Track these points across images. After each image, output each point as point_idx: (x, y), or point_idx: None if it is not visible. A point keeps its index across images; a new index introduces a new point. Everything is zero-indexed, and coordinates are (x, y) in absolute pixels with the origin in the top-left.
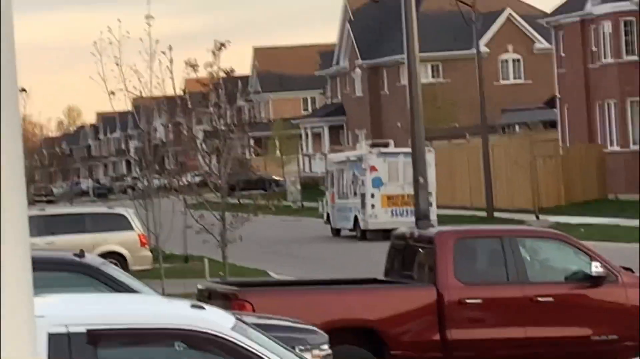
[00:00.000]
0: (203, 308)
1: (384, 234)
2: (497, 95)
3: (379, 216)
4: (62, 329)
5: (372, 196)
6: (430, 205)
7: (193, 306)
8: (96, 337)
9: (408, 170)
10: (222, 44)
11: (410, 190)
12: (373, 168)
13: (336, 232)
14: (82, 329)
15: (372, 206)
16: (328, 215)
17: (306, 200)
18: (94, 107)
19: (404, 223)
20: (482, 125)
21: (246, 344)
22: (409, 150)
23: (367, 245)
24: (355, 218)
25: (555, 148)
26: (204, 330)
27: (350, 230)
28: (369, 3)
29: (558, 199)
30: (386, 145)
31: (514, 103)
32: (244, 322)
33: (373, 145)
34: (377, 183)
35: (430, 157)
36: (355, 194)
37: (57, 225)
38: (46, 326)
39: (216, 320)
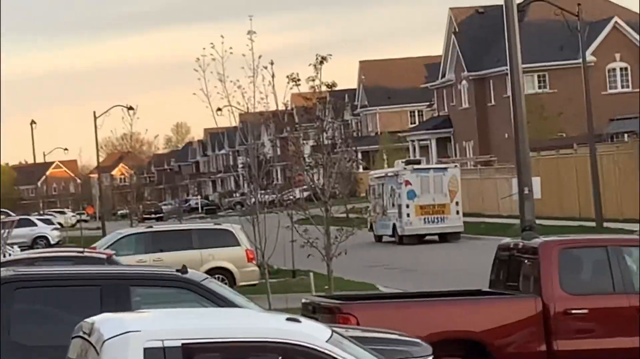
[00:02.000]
0: (299, 321)
1: (418, 238)
2: (605, 105)
3: (414, 224)
4: (158, 344)
5: (407, 206)
6: (457, 213)
7: (288, 319)
8: (191, 351)
9: (437, 183)
10: (324, 58)
11: (439, 200)
12: (407, 183)
13: (378, 239)
14: (178, 343)
15: (408, 214)
16: (371, 224)
17: None
18: (201, 123)
19: (435, 229)
20: (589, 135)
21: (341, 357)
22: (438, 166)
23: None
24: (394, 226)
25: None
26: (299, 343)
27: (389, 236)
28: (474, 14)
29: None
30: (418, 162)
31: (622, 112)
32: (341, 335)
33: (407, 163)
34: (411, 195)
35: (455, 172)
36: (393, 205)
37: (164, 241)
38: (142, 341)
39: (311, 333)
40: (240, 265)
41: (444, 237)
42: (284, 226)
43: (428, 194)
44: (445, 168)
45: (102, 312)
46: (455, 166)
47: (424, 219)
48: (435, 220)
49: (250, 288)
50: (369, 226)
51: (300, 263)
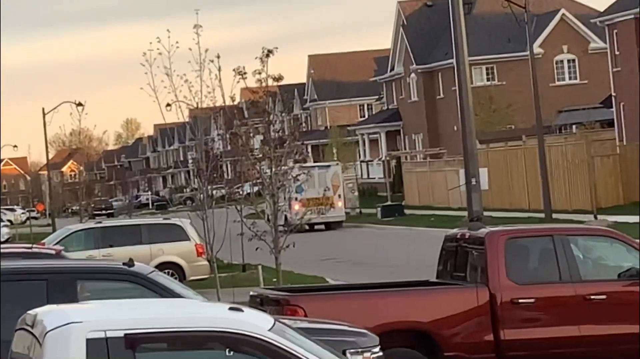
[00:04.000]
0: (241, 311)
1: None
2: (553, 96)
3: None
4: (100, 334)
5: (296, 199)
6: (340, 205)
7: (231, 308)
8: (134, 341)
9: (322, 179)
10: (270, 51)
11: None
12: (295, 179)
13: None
14: (120, 333)
15: (296, 207)
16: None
17: (364, 206)
18: (151, 119)
19: (320, 219)
20: (538, 127)
21: (284, 346)
22: (322, 164)
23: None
24: (285, 216)
25: (613, 148)
26: (241, 332)
27: (282, 226)
28: (423, 7)
29: (617, 198)
30: (305, 161)
31: (570, 104)
32: (285, 324)
33: (295, 162)
34: (299, 190)
35: (337, 169)
36: (284, 199)
37: (114, 237)
38: (84, 332)
39: (253, 322)
40: (190, 260)
41: (329, 226)
42: (233, 220)
43: (314, 189)
44: (328, 166)
45: None
46: (337, 164)
47: (310, 211)
48: (320, 211)
49: (200, 282)
50: (266, 217)
51: (251, 257)
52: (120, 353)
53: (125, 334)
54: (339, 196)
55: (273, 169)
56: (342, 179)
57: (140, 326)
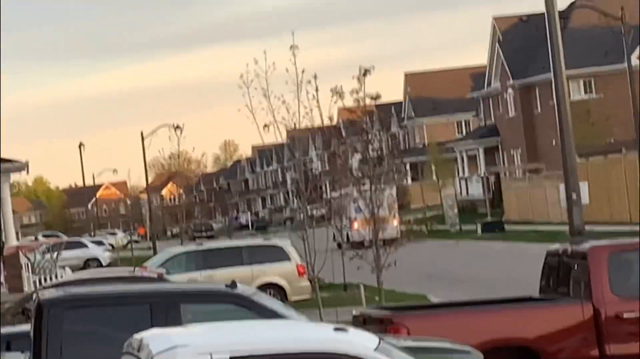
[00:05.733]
0: (346, 331)
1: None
2: None
3: (360, 232)
4: (206, 357)
5: (355, 219)
6: (394, 224)
7: (336, 329)
8: None
9: (378, 200)
10: (367, 70)
11: (380, 214)
12: (354, 200)
13: (338, 245)
14: (226, 356)
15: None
16: (333, 234)
17: (464, 223)
18: (249, 141)
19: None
20: (637, 139)
21: None
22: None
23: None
24: (347, 234)
25: None
26: (347, 352)
27: (345, 242)
28: (518, 23)
29: None
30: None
31: None
32: (389, 344)
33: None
34: (358, 210)
35: (392, 191)
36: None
37: (215, 259)
38: (191, 355)
39: (359, 341)
40: (291, 280)
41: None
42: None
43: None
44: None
45: None
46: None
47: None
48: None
49: (302, 302)
50: (332, 236)
51: (351, 276)
52: None
53: (231, 357)
54: (394, 215)
55: (373, 188)
56: (395, 199)
57: (245, 348)
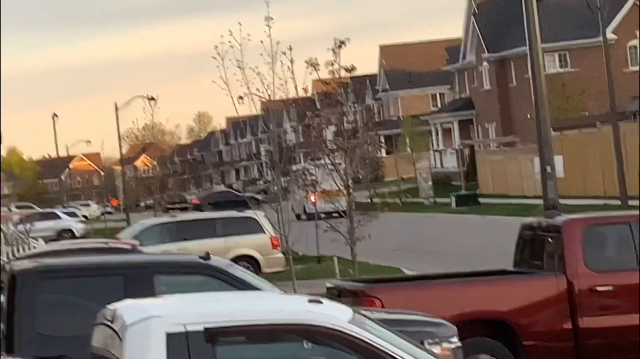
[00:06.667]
0: (320, 303)
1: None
2: (627, 82)
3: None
4: (180, 329)
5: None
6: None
7: (310, 300)
8: (214, 335)
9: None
10: (342, 42)
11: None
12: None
13: (297, 216)
14: (200, 327)
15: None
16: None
17: (438, 195)
18: (223, 112)
19: (333, 208)
20: (612, 113)
21: (364, 337)
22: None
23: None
24: (304, 206)
25: None
26: (321, 324)
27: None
28: None
29: None
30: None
31: None
32: (364, 316)
33: (312, 160)
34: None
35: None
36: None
37: (189, 230)
38: (164, 326)
39: (333, 313)
40: (265, 252)
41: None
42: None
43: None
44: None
45: None
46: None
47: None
48: (332, 202)
49: (276, 275)
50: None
51: (325, 248)
52: (200, 347)
53: (205, 328)
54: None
55: (347, 160)
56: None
57: (220, 320)
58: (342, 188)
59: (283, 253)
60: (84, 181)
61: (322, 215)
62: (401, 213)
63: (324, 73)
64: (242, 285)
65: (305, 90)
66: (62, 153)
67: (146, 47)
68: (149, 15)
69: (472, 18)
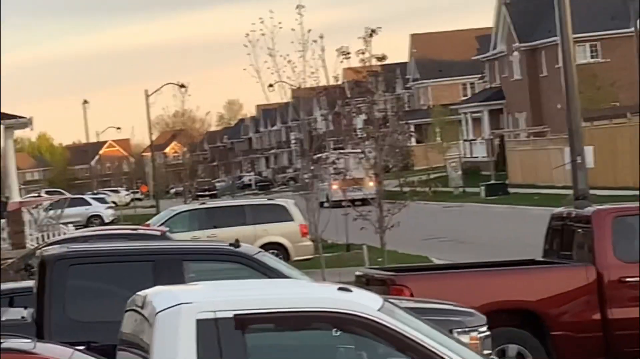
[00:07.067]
0: (350, 291)
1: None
2: None
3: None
4: (210, 315)
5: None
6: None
7: (340, 289)
8: (244, 322)
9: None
10: (373, 31)
11: (357, 175)
12: (333, 163)
13: (320, 204)
14: (230, 314)
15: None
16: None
17: (468, 185)
18: (253, 100)
19: (355, 196)
20: None
21: (394, 325)
22: (354, 150)
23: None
24: (327, 195)
25: None
26: (351, 312)
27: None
28: None
29: None
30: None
31: None
32: (393, 304)
33: (335, 149)
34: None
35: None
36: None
37: (218, 218)
38: (194, 312)
39: (363, 302)
40: (294, 240)
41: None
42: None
43: (357, 170)
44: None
45: None
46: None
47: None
48: (354, 190)
49: (305, 262)
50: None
51: (354, 236)
52: (229, 334)
53: (235, 315)
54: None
55: (377, 147)
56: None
57: (249, 307)
58: (372, 176)
59: (312, 240)
60: (113, 168)
61: (347, 203)
62: (430, 202)
63: (355, 62)
64: (271, 273)
65: (336, 78)
66: (93, 139)
67: (178, 34)
68: (182, 3)
69: (504, 7)
